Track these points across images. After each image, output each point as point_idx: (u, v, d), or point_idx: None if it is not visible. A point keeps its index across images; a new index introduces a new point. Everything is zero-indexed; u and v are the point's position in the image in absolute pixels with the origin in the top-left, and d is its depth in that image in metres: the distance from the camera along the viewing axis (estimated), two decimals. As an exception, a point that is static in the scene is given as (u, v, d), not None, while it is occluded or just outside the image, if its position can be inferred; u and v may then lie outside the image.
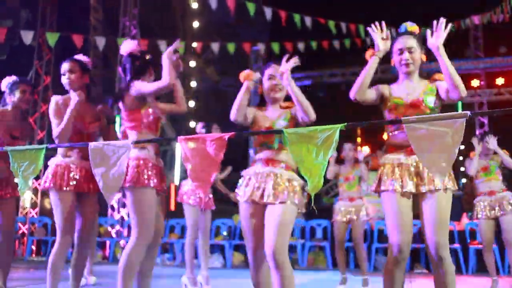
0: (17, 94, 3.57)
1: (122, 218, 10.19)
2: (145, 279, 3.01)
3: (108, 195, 2.42)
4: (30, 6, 11.28)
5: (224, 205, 7.93)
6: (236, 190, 2.80)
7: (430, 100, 2.65)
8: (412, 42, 2.69)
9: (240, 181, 2.80)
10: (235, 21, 12.79)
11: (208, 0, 8.84)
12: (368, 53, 2.67)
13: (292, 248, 8.89)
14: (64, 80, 3.27)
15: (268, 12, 9.32)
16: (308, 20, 9.59)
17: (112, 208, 10.28)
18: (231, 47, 9.91)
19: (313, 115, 2.68)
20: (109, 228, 9.93)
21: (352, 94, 2.63)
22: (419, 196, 2.58)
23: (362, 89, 2.63)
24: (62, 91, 3.42)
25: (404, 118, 2.08)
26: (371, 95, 2.69)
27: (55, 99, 3.23)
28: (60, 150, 3.18)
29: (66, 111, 3.13)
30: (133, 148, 2.77)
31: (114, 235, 9.91)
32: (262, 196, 2.66)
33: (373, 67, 2.64)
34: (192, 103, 13.45)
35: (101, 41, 9.34)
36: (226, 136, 2.28)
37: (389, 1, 13.55)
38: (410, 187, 2.56)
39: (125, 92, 2.95)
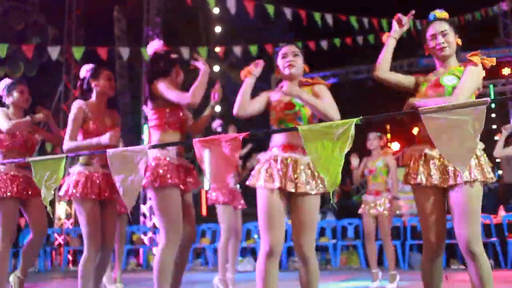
0: (16, 95, 3.72)
1: (154, 225, 10.29)
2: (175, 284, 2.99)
3: (128, 201, 2.43)
4: (57, 22, 11.58)
5: (254, 208, 7.91)
6: (252, 175, 2.68)
7: (448, 79, 2.55)
8: (445, 25, 2.62)
9: (257, 166, 2.70)
10: (257, 24, 12.78)
11: (228, 5, 8.84)
12: (384, 36, 2.73)
13: (324, 249, 8.78)
14: None
15: (287, 12, 9.27)
16: (329, 18, 9.49)
17: (144, 215, 10.40)
18: (253, 49, 9.89)
19: (335, 117, 2.53)
20: (142, 236, 10.05)
21: (376, 72, 2.64)
22: (447, 190, 2.48)
23: (382, 67, 2.63)
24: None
25: (421, 109, 2.01)
26: (398, 77, 2.69)
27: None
28: (80, 159, 3.21)
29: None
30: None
31: (147, 242, 10.03)
32: (285, 184, 2.55)
33: (391, 47, 2.69)
34: (218, 108, 13.50)
35: (125, 52, 9.50)
36: (241, 136, 2.26)
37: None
38: (435, 180, 2.47)
39: (151, 91, 2.95)
